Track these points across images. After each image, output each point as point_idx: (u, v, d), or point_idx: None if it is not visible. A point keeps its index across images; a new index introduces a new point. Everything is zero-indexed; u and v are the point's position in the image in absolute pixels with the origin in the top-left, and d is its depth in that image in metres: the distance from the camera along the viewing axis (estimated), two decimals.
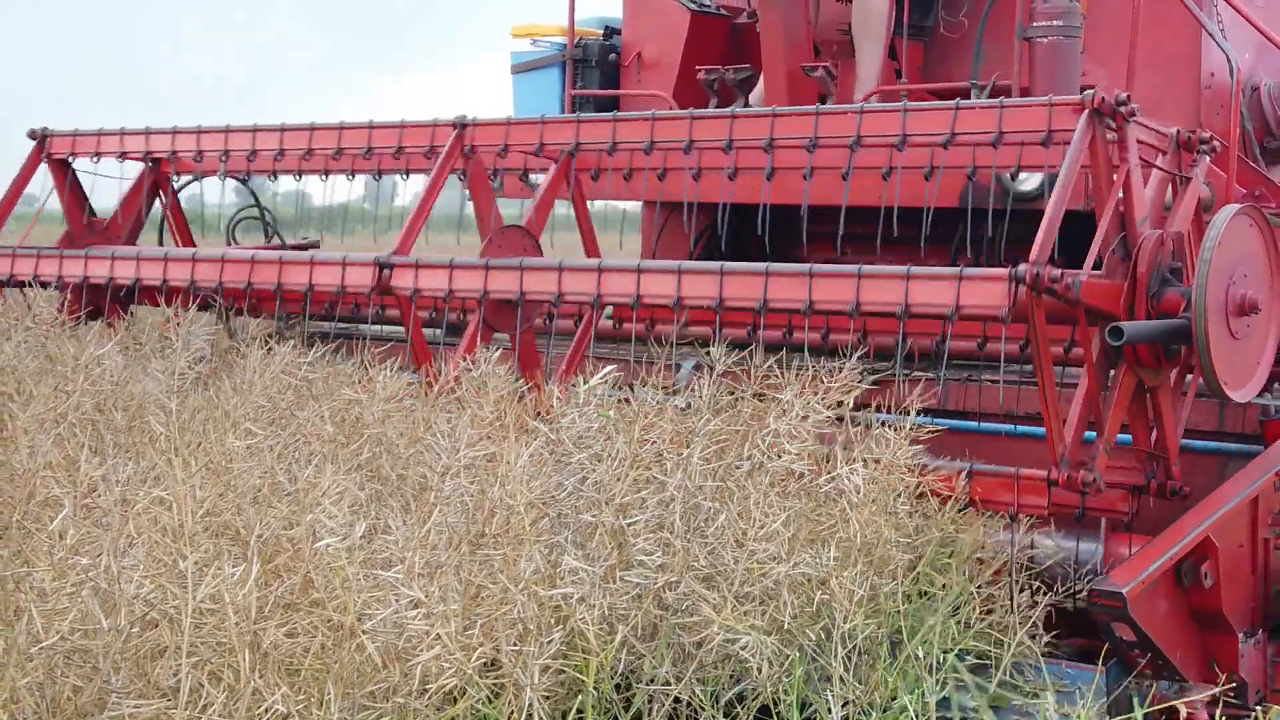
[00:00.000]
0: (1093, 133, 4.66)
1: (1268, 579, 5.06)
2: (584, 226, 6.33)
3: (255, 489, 3.92)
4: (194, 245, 7.38)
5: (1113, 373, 4.76)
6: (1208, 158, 5.10)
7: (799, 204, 5.58)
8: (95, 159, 7.17)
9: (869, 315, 4.80)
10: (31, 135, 7.23)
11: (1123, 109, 4.68)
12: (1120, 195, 4.75)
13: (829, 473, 4.36)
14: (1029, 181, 5.93)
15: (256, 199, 7.43)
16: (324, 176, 6.65)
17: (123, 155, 7.12)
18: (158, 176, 7.28)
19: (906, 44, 6.98)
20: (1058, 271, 4.43)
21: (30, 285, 6.79)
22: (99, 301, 6.69)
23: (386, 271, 5.60)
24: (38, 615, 3.18)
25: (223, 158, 6.79)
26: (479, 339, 5.50)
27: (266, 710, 3.25)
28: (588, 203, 6.40)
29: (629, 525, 4.07)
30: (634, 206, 8.05)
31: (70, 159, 7.20)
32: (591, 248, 6.38)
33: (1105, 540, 4.93)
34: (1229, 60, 6.09)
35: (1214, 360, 4.59)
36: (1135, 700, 4.60)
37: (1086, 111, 4.64)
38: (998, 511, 4.81)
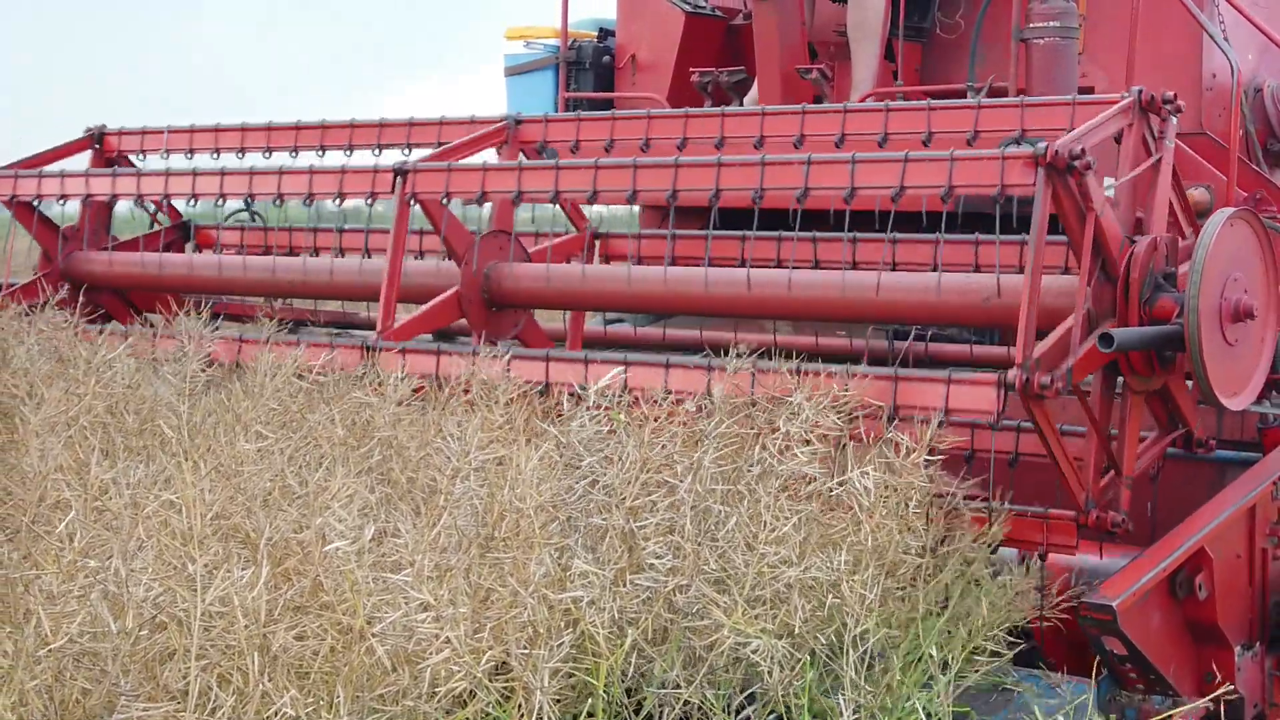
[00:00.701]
0: (1053, 186, 4.46)
1: (1266, 590, 4.98)
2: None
3: (265, 492, 3.92)
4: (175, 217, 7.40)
5: (1116, 403, 4.65)
6: (1174, 119, 4.89)
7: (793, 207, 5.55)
8: (50, 202, 7.03)
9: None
10: None
11: (1078, 162, 4.42)
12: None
13: (839, 477, 4.34)
14: None
15: (248, 203, 7.36)
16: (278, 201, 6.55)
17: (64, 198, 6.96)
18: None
19: (903, 45, 6.95)
20: (1047, 377, 4.31)
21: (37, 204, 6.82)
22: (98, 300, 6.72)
23: (373, 354, 5.40)
24: (45, 618, 3.18)
25: (163, 200, 6.77)
26: None
27: (276, 713, 3.25)
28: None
29: (639, 528, 4.06)
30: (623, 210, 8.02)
31: (35, 202, 7.05)
32: (577, 219, 6.46)
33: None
34: (1230, 61, 6.05)
35: (1208, 367, 4.49)
36: (1127, 714, 4.54)
37: (1041, 169, 4.42)
38: (1027, 551, 4.69)
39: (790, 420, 4.39)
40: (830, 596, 4.08)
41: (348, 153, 6.60)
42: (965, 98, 6.46)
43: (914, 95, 6.85)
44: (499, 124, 6.13)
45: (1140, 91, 4.77)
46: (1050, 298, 4.64)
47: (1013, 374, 4.33)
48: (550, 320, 6.76)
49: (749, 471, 4.26)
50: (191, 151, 6.98)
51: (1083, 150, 4.42)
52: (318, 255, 6.89)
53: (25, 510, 3.95)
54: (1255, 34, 6.66)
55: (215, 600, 3.30)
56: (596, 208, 6.81)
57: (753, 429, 4.46)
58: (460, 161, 5.78)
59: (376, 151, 6.40)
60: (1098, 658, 4.50)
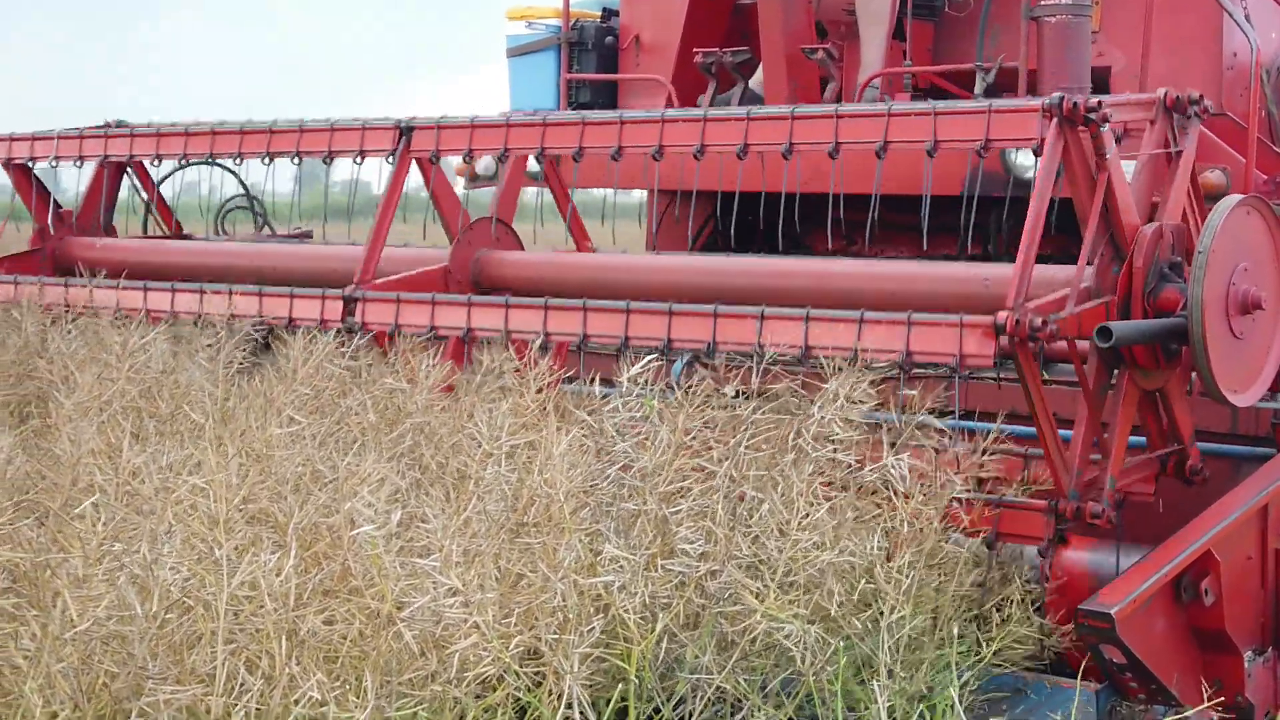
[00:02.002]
0: (1064, 140, 4.33)
1: (1279, 593, 4.73)
2: (566, 215, 6.23)
3: (296, 476, 3.92)
4: (178, 230, 7.33)
5: (1111, 394, 4.47)
6: (1198, 121, 4.72)
7: (805, 192, 5.48)
8: (55, 163, 6.92)
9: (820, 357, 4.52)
10: None
11: (1094, 114, 4.30)
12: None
13: (874, 463, 4.28)
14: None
15: (245, 187, 7.29)
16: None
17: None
18: (123, 165, 7.11)
19: (913, 24, 6.81)
20: (1039, 319, 4.16)
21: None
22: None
23: (354, 306, 5.39)
24: (71, 601, 3.18)
25: (182, 160, 6.66)
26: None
27: (302, 698, 3.25)
28: (571, 191, 6.29)
29: (672, 514, 4.04)
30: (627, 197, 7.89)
31: (30, 163, 6.98)
32: (580, 238, 6.30)
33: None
34: (1250, 41, 5.91)
35: (1212, 361, 4.30)
36: None
37: (1055, 120, 4.29)
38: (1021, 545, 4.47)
39: (827, 405, 4.30)
40: (864, 581, 4.05)
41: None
42: (974, 79, 6.35)
43: (924, 77, 6.74)
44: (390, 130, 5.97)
45: (1166, 93, 4.63)
46: (1055, 274, 4.50)
47: (1003, 315, 4.16)
48: None
49: (783, 458, 4.22)
50: (185, 157, 6.78)
51: (1099, 103, 4.30)
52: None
53: (58, 494, 3.96)
54: (1278, 12, 6.52)
55: (243, 584, 3.30)
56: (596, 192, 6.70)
57: (792, 411, 4.39)
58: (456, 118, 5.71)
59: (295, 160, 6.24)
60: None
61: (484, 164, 7.28)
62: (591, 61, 7.92)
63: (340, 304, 5.41)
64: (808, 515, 4.03)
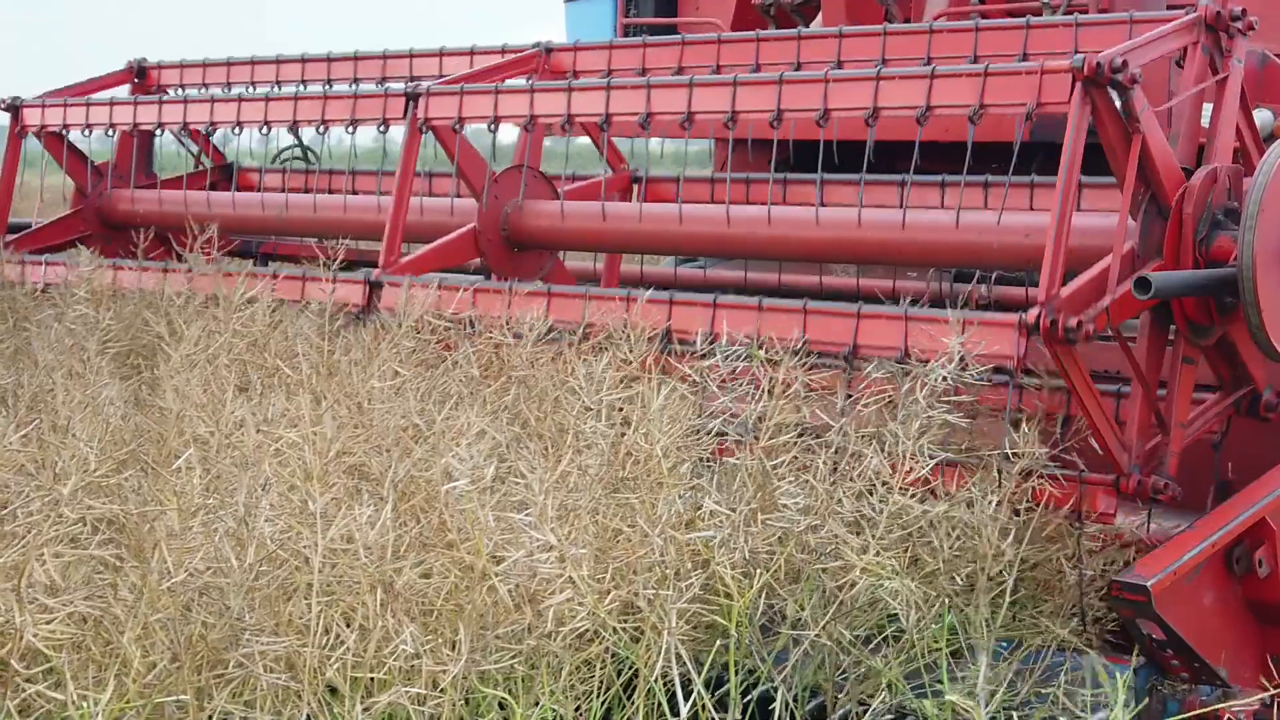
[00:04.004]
0: (1091, 104, 4.06)
1: None
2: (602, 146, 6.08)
3: (396, 429, 3.94)
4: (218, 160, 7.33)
5: (1167, 362, 4.19)
6: (1244, 38, 4.34)
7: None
8: (87, 133, 6.93)
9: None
10: (6, 108, 7.02)
11: (1121, 75, 3.99)
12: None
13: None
14: None
15: (299, 138, 7.22)
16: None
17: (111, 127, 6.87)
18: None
19: None
20: (1075, 320, 3.89)
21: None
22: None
23: (377, 290, 5.18)
24: (168, 553, 3.22)
25: (204, 128, 6.68)
26: None
27: (396, 650, 3.27)
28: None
29: (773, 468, 4.01)
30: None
31: (64, 132, 6.95)
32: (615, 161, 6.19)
33: None
34: None
35: (1265, 315, 3.98)
36: (1169, 706, 4.11)
37: (1078, 84, 4.00)
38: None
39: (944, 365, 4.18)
40: (968, 538, 3.99)
41: (380, 84, 6.46)
42: (1040, 15, 5.98)
43: (993, 14, 6.44)
44: (529, 52, 5.92)
45: (1206, 5, 4.33)
46: (1092, 238, 4.25)
47: (1034, 313, 3.92)
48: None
49: (894, 414, 4.14)
50: (229, 85, 6.91)
51: (1125, 63, 4.00)
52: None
53: (161, 446, 4.01)
54: None
55: (338, 537, 3.32)
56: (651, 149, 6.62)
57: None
58: (473, 85, 5.54)
59: (411, 84, 6.07)
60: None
61: None
62: (649, 6, 7.78)
63: (363, 288, 5.18)
64: (911, 471, 3.98)
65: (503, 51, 6.12)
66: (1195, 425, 4.31)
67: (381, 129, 5.74)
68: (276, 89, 6.69)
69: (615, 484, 3.87)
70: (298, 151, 7.26)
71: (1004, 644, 4.03)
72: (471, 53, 6.23)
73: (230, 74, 6.93)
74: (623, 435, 3.95)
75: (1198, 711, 4.07)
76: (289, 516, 3.37)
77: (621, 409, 4.07)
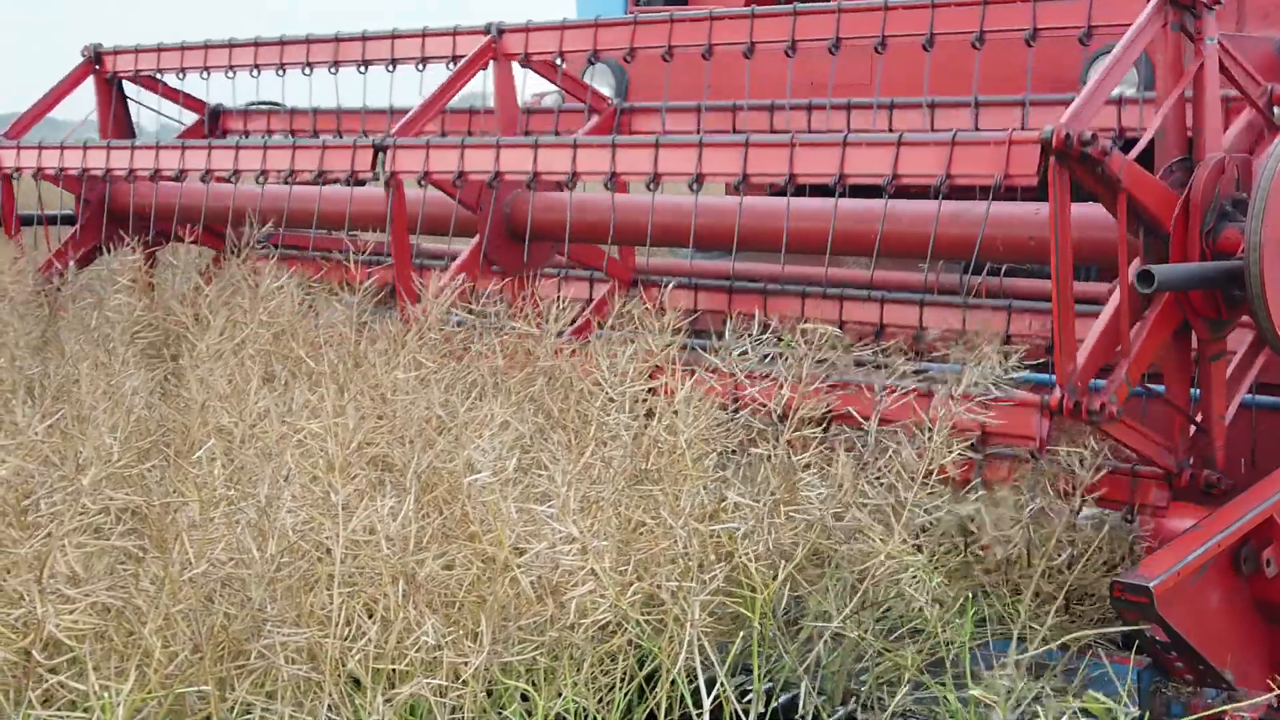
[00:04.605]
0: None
1: None
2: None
3: (420, 420, 3.94)
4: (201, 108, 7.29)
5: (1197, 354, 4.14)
6: (1211, 13, 4.17)
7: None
8: (160, 74, 6.98)
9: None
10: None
11: (1090, 149, 3.84)
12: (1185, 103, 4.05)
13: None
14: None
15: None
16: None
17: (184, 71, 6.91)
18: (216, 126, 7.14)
19: None
20: (1090, 133, 3.77)
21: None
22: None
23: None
24: (189, 544, 3.22)
25: (279, 71, 6.60)
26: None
27: (418, 641, 3.26)
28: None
29: (798, 460, 4.01)
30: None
31: (128, 76, 6.99)
32: None
33: None
34: None
35: (1272, 310, 3.92)
36: (1173, 709, 4.00)
37: (1051, 159, 3.84)
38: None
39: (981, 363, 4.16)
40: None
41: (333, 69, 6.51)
42: None
43: None
44: (483, 42, 5.85)
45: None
46: (1096, 230, 4.16)
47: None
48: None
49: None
50: (183, 70, 6.90)
51: (1094, 136, 3.84)
52: (340, 137, 6.66)
53: (184, 436, 4.02)
54: None
55: (359, 529, 3.32)
56: None
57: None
58: (436, 140, 5.43)
59: (362, 68, 6.26)
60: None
61: (552, 100, 7.10)
62: None
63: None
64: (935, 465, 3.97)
65: (455, 33, 6.06)
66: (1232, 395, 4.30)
67: (349, 181, 5.61)
68: (244, 137, 6.71)
69: (639, 476, 3.86)
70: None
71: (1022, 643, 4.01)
72: (424, 35, 6.17)
73: (184, 59, 6.89)
74: (646, 426, 3.95)
75: (1201, 715, 3.99)
76: (311, 508, 3.37)
77: (648, 398, 4.07)
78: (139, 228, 6.62)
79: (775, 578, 3.77)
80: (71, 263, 6.29)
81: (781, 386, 4.22)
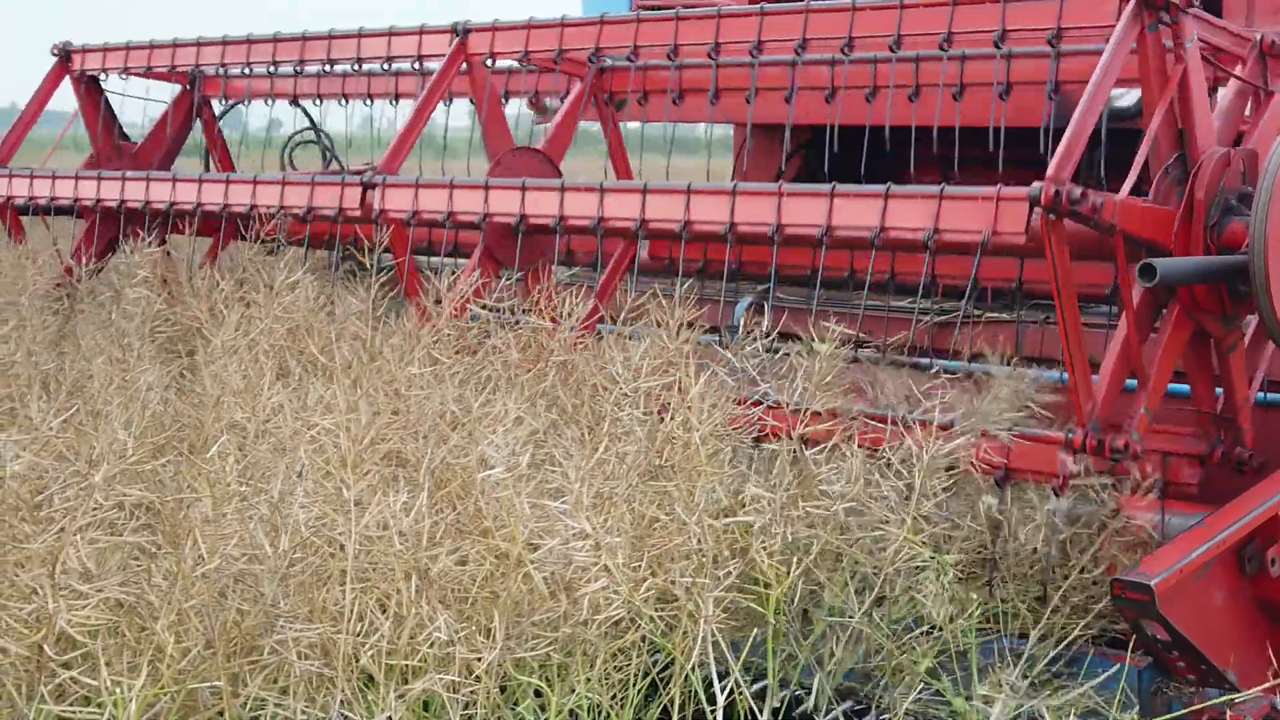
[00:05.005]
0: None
1: None
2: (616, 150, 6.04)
3: (434, 415, 3.93)
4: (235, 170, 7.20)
5: (1163, 313, 4.09)
6: (1188, 15, 4.13)
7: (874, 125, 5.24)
8: (124, 76, 6.93)
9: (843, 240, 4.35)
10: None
11: (1080, 207, 3.79)
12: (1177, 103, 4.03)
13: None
14: (1125, 98, 5.16)
15: (312, 121, 7.12)
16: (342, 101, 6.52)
17: (150, 70, 6.88)
18: (197, 98, 7.07)
19: None
20: (1080, 191, 3.75)
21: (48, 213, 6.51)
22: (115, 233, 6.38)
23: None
24: (202, 540, 3.22)
25: (246, 69, 6.63)
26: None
27: (430, 637, 3.26)
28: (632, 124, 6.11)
29: (811, 455, 4.00)
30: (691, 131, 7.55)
31: (101, 76, 6.94)
32: (623, 173, 6.08)
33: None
34: None
35: (1277, 304, 3.90)
36: (1174, 708, 3.93)
37: (1041, 215, 3.81)
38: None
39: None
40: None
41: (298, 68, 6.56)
42: None
43: None
44: (453, 46, 5.82)
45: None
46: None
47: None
48: None
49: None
50: (150, 67, 6.87)
51: (1082, 194, 3.79)
52: (321, 102, 6.82)
53: (198, 432, 4.02)
54: None
55: (372, 524, 3.31)
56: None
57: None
58: (426, 180, 5.43)
59: (328, 67, 6.28)
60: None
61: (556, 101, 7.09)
62: None
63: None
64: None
65: (421, 32, 6.06)
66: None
67: (338, 219, 5.57)
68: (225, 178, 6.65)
69: (653, 471, 3.85)
70: (310, 136, 7.21)
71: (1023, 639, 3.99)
72: (390, 34, 6.16)
73: (151, 57, 6.85)
74: (660, 421, 3.95)
75: (1199, 711, 3.96)
76: (324, 503, 3.37)
77: (662, 394, 4.06)
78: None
79: (789, 573, 3.77)
80: (85, 258, 6.26)
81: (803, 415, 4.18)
